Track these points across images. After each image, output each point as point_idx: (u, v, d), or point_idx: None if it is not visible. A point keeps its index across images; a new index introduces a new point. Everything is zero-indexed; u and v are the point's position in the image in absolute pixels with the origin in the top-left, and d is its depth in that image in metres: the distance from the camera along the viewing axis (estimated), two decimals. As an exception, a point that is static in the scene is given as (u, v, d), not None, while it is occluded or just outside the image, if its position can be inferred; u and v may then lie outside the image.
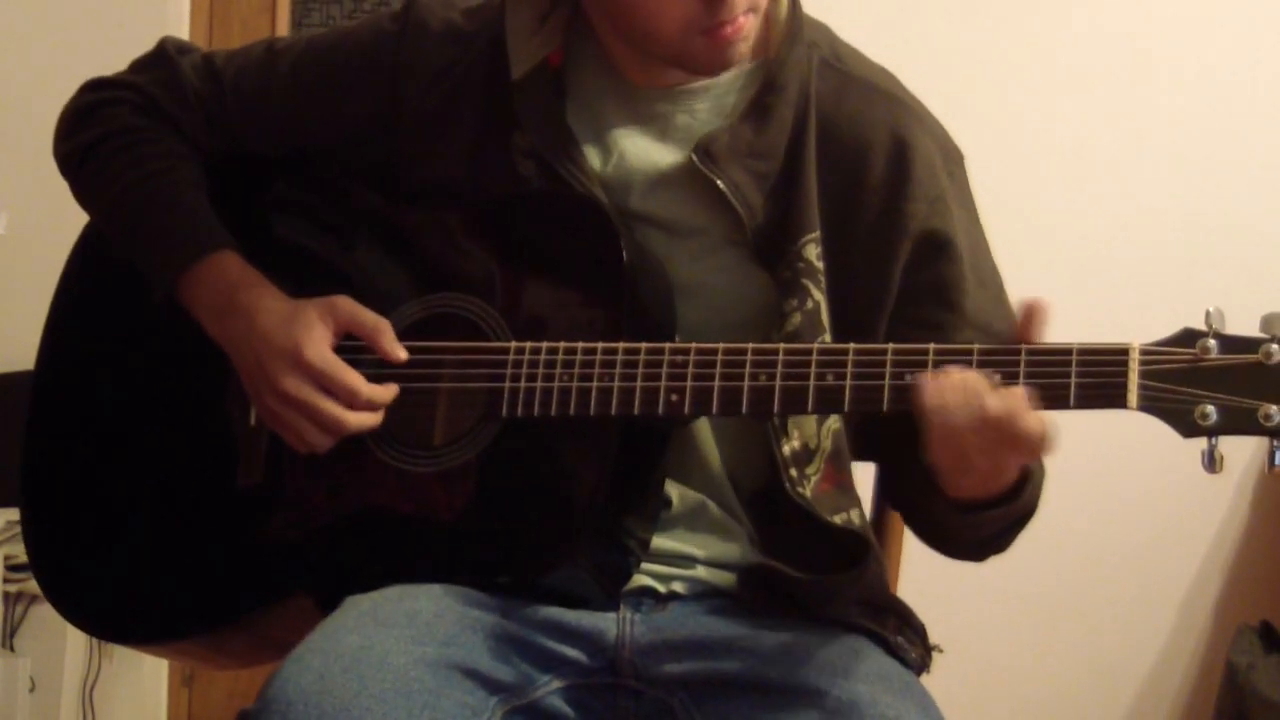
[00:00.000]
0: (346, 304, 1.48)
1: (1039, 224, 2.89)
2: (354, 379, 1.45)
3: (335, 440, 1.46)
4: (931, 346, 1.31)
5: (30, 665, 3.03)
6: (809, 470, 1.47)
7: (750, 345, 1.37)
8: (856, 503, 1.54)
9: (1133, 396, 1.24)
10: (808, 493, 1.46)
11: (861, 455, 1.58)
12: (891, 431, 1.48)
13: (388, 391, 1.46)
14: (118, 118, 1.61)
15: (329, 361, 1.45)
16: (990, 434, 1.25)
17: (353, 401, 1.44)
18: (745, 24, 1.44)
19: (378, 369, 1.47)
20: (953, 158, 1.55)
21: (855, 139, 1.50)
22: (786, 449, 1.45)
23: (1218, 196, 2.94)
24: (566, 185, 1.48)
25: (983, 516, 1.37)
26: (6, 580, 2.96)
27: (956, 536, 1.47)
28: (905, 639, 1.50)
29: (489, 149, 1.52)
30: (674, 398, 1.37)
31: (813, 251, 1.47)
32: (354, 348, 1.47)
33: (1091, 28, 2.98)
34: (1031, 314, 1.29)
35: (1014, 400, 1.25)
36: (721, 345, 1.37)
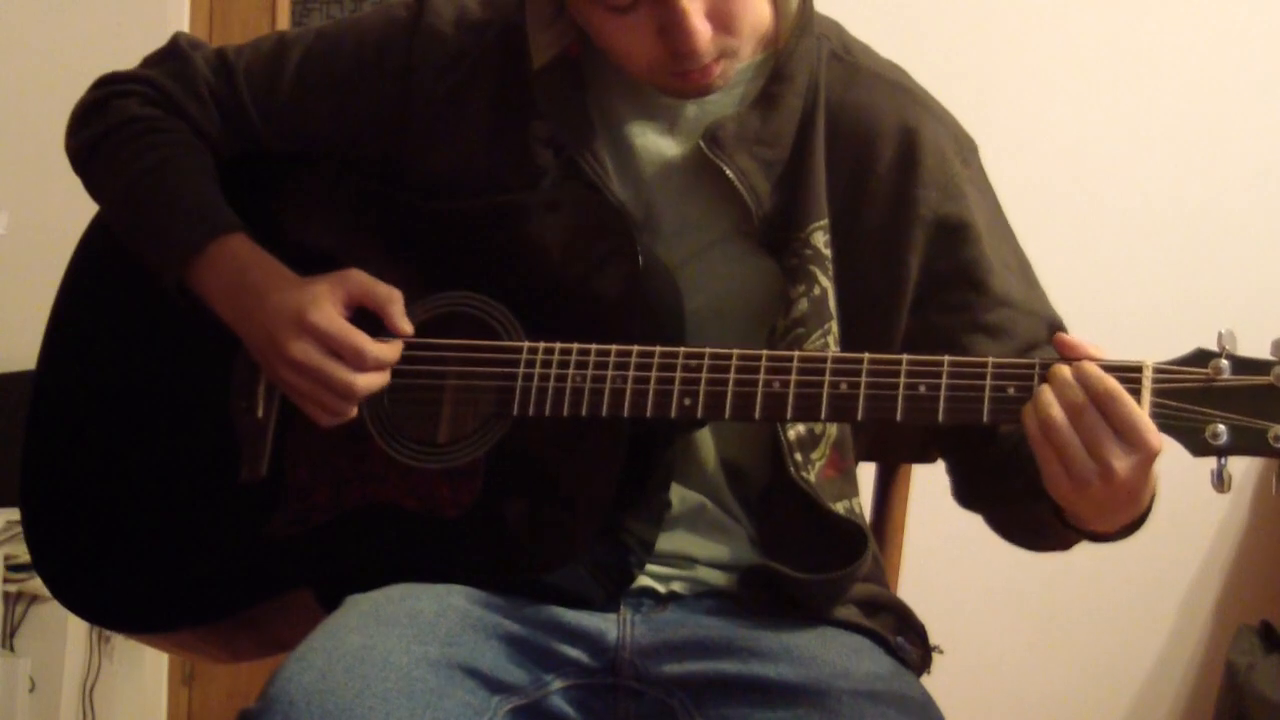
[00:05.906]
0: (358, 275, 1.47)
1: (1043, 226, 2.88)
2: (360, 339, 1.44)
3: (353, 405, 1.45)
4: (946, 359, 1.31)
5: (30, 665, 3.03)
6: (814, 455, 1.47)
7: (765, 351, 1.37)
8: (858, 492, 1.54)
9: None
10: (811, 478, 1.46)
11: (918, 459, 1.57)
12: (980, 435, 1.47)
13: (393, 349, 1.45)
14: (126, 109, 1.60)
15: (335, 323, 1.44)
16: (1090, 418, 1.23)
17: (361, 362, 1.44)
18: (716, 70, 1.44)
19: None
20: (966, 145, 1.54)
21: (863, 128, 1.50)
22: (791, 434, 1.45)
23: (1226, 203, 2.93)
24: (583, 175, 1.48)
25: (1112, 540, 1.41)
26: (6, 580, 2.96)
27: (1055, 544, 1.51)
28: (905, 639, 1.50)
29: (504, 137, 1.52)
30: (687, 401, 1.37)
31: (820, 239, 1.46)
32: (365, 326, 1.46)
33: (1105, 34, 2.97)
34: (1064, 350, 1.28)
35: (1114, 383, 1.24)
36: (736, 350, 1.37)
